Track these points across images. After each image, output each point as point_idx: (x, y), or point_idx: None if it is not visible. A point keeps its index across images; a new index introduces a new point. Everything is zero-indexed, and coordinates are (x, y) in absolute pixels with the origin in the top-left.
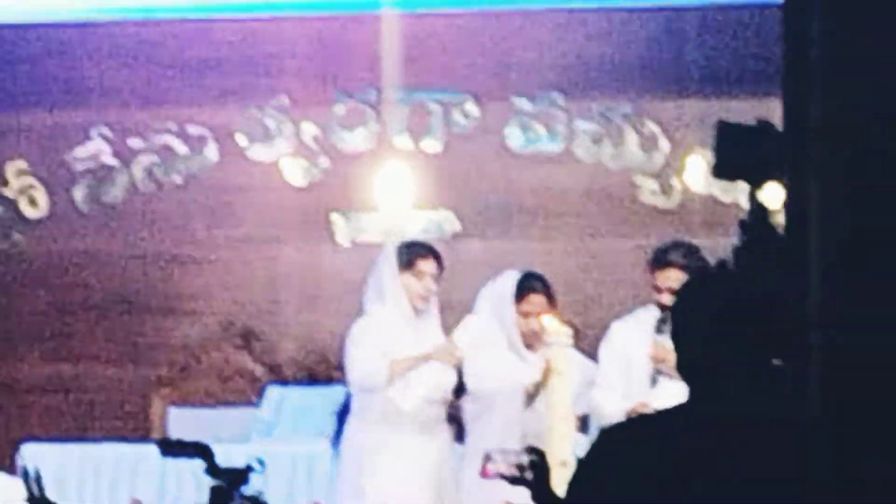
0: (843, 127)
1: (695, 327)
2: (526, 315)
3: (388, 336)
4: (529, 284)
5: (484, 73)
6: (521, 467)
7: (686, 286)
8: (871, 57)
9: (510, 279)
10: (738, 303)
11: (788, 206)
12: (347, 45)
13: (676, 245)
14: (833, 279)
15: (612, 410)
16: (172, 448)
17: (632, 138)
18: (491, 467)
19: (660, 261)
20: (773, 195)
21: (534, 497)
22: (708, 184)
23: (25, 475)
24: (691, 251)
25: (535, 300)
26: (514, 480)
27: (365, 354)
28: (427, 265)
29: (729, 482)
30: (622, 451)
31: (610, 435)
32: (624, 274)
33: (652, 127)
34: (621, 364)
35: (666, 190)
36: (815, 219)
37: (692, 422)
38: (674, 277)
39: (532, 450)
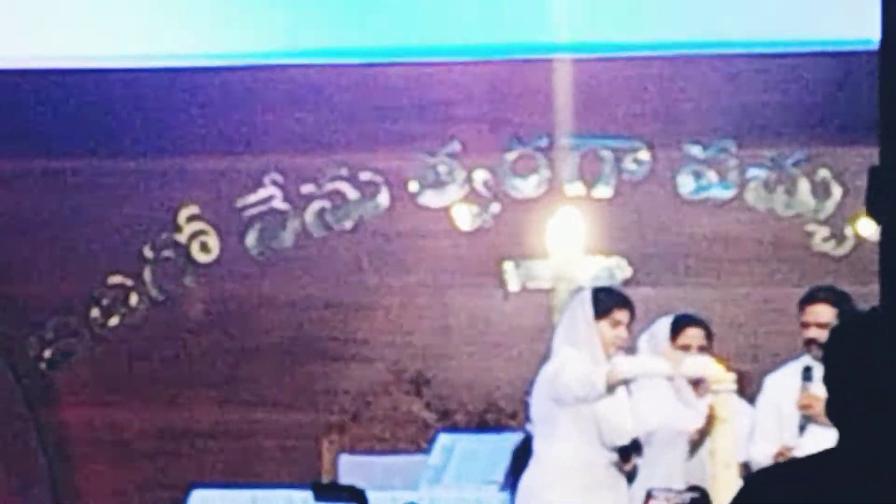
0: None
1: (844, 371)
2: (685, 348)
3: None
4: (685, 320)
5: (655, 120)
6: None
7: (837, 329)
8: None
9: (664, 321)
10: (889, 346)
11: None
12: (519, 91)
13: (826, 287)
14: None
15: (765, 461)
16: (326, 491)
17: (804, 185)
18: None
19: (809, 297)
20: None
21: None
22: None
23: None
24: (841, 293)
25: (692, 333)
26: None
27: (578, 366)
28: (622, 314)
29: None
30: (768, 495)
31: (756, 480)
32: (795, 322)
33: (824, 173)
34: (774, 415)
35: (838, 237)
36: None
37: (841, 466)
38: (821, 312)
39: (694, 488)
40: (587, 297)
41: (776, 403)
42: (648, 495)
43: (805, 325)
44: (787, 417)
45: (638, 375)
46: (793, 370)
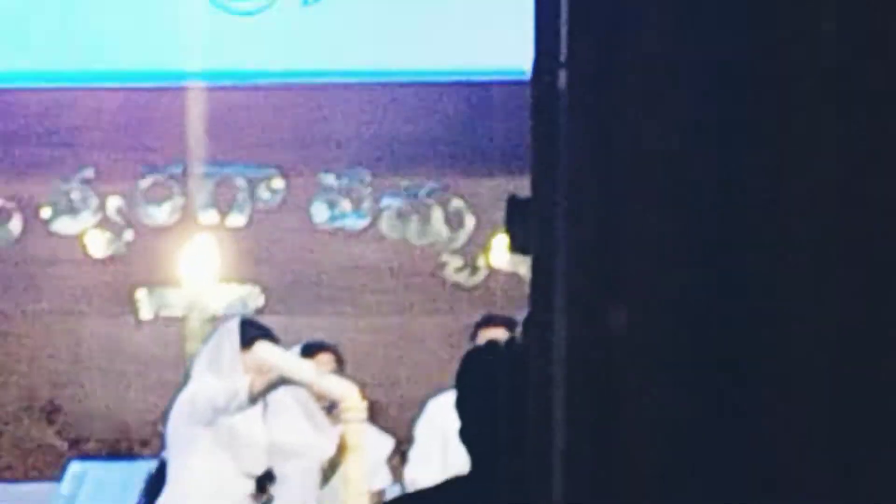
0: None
1: (472, 397)
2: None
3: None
4: (315, 346)
5: (290, 148)
6: None
7: (466, 356)
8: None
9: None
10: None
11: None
12: (154, 118)
13: (503, 315)
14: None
15: (426, 482)
16: None
17: (437, 214)
18: None
19: (484, 321)
20: None
21: None
22: (513, 261)
23: None
24: (514, 321)
25: (323, 359)
26: None
27: (216, 383)
28: (264, 344)
29: None
30: None
31: None
32: (429, 350)
33: (457, 203)
34: (439, 440)
35: (471, 267)
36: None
37: (469, 492)
38: (493, 335)
39: None
40: (234, 326)
41: (441, 429)
42: None
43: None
44: (454, 444)
45: (283, 369)
46: None
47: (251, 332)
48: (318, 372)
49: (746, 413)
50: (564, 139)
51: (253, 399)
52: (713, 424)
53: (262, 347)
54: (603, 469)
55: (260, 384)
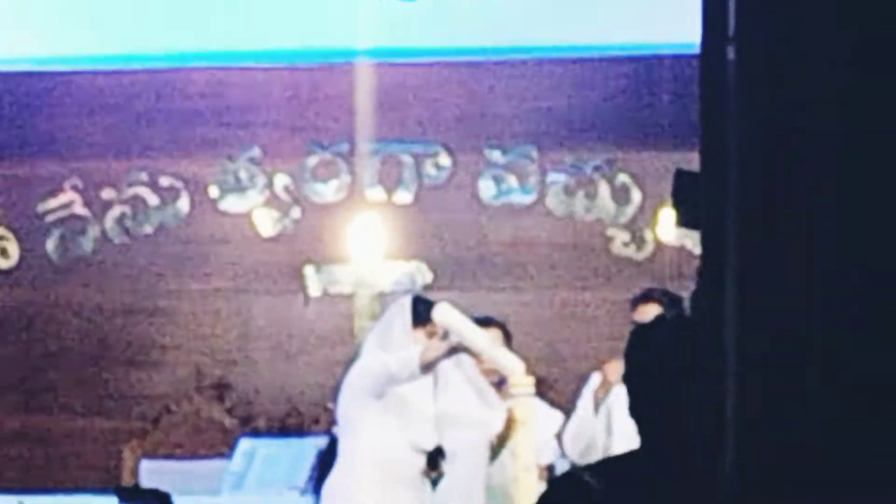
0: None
1: (643, 372)
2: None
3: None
4: (482, 322)
5: (456, 125)
6: None
7: (636, 331)
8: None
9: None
10: (681, 349)
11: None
12: (320, 96)
13: (660, 288)
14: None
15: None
16: (130, 495)
17: (604, 190)
18: None
19: (642, 297)
20: None
21: None
22: (680, 235)
23: None
24: (674, 296)
25: (490, 335)
26: None
27: (391, 354)
28: (438, 326)
29: None
30: (570, 498)
31: (559, 482)
32: (596, 325)
33: (624, 178)
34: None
35: (638, 241)
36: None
37: (641, 468)
38: (652, 313)
39: None
40: (406, 304)
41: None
42: None
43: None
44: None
45: (458, 332)
46: None
47: (423, 309)
48: (491, 342)
49: None
50: (733, 113)
51: (425, 367)
52: (891, 402)
53: (442, 308)
54: (774, 444)
55: (432, 352)
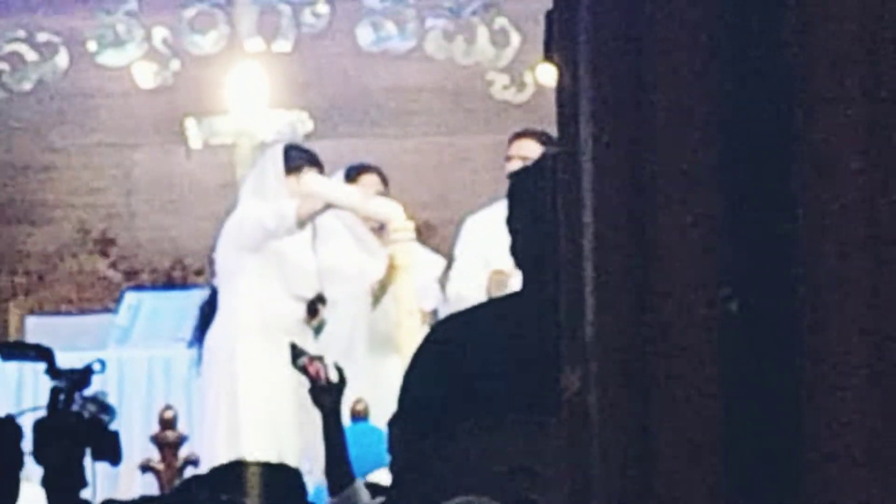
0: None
1: (526, 213)
2: None
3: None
4: (359, 168)
5: None
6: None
7: (518, 172)
8: None
9: (339, 173)
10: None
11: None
12: None
13: (540, 130)
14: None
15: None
16: (12, 351)
17: (483, 33)
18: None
19: (519, 133)
20: None
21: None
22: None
23: None
24: (552, 137)
25: (368, 180)
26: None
27: (265, 207)
28: (311, 173)
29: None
30: (452, 339)
31: (441, 324)
32: (477, 169)
33: (502, 21)
34: (479, 257)
35: (518, 84)
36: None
37: (522, 309)
38: (527, 147)
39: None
40: (278, 152)
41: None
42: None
43: (509, 159)
44: (495, 260)
45: (329, 197)
46: (498, 212)
47: (295, 157)
48: (363, 196)
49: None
50: None
51: (301, 223)
52: None
53: (308, 177)
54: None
55: (307, 209)
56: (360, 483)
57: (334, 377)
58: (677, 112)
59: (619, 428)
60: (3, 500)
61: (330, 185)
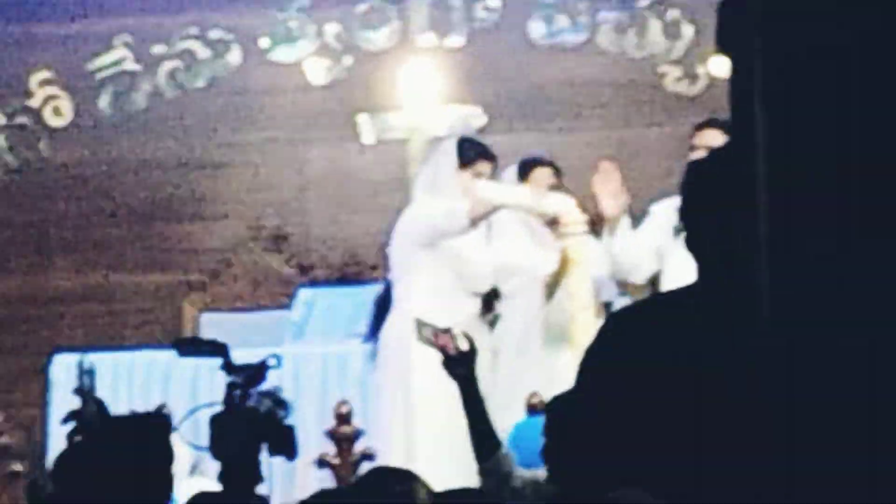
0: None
1: (701, 204)
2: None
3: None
4: (532, 162)
5: None
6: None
7: (694, 163)
8: None
9: (511, 168)
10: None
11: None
12: None
13: (725, 119)
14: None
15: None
16: (188, 347)
17: (655, 26)
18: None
19: (705, 123)
20: None
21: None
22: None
23: (79, 367)
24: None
25: (541, 174)
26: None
27: (438, 207)
28: (485, 166)
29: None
30: (627, 333)
31: (616, 318)
32: (651, 162)
33: (674, 14)
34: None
35: (690, 77)
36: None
37: (698, 302)
38: (712, 136)
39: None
40: (451, 146)
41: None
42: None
43: (693, 149)
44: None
45: (501, 203)
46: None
47: (468, 150)
48: (534, 195)
49: None
50: None
51: (473, 224)
52: None
53: (479, 186)
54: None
55: (478, 211)
56: (507, 449)
57: (464, 346)
58: (844, 103)
59: None
60: (156, 495)
61: (500, 191)
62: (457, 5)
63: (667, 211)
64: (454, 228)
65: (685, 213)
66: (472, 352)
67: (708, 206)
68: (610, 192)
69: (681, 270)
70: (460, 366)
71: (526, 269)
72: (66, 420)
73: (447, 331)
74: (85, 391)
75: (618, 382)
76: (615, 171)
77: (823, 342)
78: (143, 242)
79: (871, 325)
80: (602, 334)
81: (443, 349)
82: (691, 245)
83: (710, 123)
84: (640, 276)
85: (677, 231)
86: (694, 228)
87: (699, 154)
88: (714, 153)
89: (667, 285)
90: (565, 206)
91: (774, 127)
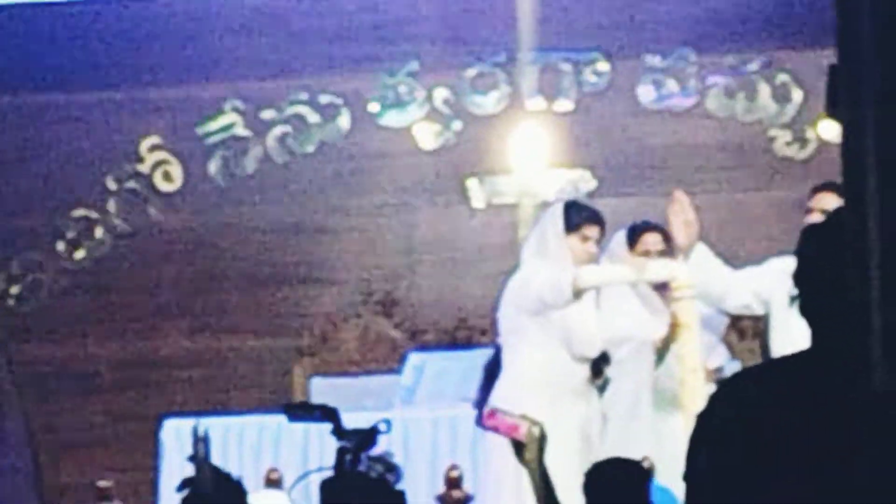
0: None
1: (816, 268)
2: (645, 255)
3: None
4: (642, 227)
5: (614, 31)
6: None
7: (809, 227)
8: None
9: (621, 233)
10: (855, 245)
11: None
12: (476, 7)
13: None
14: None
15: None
16: (298, 412)
17: (764, 90)
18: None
19: (822, 186)
20: None
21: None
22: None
23: (194, 434)
24: None
25: (650, 239)
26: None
27: (545, 273)
28: (592, 230)
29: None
30: (740, 398)
31: (729, 383)
32: (761, 226)
33: (783, 77)
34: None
35: (800, 140)
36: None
37: (813, 368)
38: (828, 200)
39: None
40: (558, 211)
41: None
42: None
43: (809, 212)
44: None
45: (602, 283)
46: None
47: (576, 214)
48: (637, 270)
49: None
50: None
51: (577, 295)
52: None
53: (582, 273)
54: None
55: (583, 282)
56: None
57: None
58: None
59: None
60: None
61: (604, 274)
62: (566, 70)
63: (778, 265)
64: (559, 302)
65: (799, 277)
66: (542, 438)
67: (822, 270)
68: (683, 222)
69: (790, 332)
70: (529, 452)
71: (635, 335)
72: (180, 488)
73: (523, 417)
74: (200, 458)
75: (735, 451)
76: (687, 201)
77: None
78: (254, 307)
79: None
80: (714, 400)
81: (511, 436)
82: (805, 310)
83: (827, 187)
84: (731, 306)
85: (792, 300)
86: (808, 292)
87: (815, 218)
88: (830, 217)
89: (776, 343)
90: (674, 271)
91: (886, 191)
